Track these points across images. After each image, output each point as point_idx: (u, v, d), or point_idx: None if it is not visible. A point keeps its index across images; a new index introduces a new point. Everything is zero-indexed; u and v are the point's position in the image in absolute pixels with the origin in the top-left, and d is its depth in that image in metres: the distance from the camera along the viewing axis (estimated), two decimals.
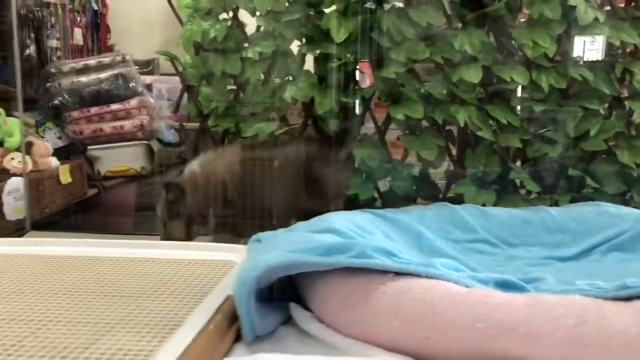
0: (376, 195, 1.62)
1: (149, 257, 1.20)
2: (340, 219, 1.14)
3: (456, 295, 0.77)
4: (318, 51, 1.55)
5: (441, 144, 1.55)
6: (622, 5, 1.58)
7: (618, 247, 1.25)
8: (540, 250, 1.27)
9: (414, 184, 1.62)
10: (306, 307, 0.90)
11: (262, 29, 1.63)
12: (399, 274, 0.82)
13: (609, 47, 1.58)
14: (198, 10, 1.65)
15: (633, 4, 1.56)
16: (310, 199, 1.49)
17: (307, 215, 1.17)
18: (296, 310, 0.90)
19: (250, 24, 1.67)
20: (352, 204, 1.56)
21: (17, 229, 1.58)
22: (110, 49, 3.12)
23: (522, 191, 1.61)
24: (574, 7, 1.50)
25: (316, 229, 1.04)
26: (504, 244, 1.30)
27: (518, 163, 1.60)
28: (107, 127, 2.30)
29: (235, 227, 1.50)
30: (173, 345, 0.76)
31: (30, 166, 1.73)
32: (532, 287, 0.95)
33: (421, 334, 0.74)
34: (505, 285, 0.89)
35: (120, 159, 2.38)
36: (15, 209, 1.56)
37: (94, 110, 2.27)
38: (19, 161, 1.68)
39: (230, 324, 0.85)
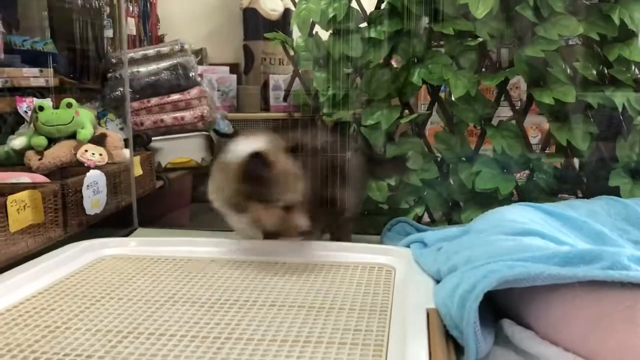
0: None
1: (302, 261, 1.08)
2: (523, 218, 0.98)
3: None
4: (451, 28, 1.39)
5: (594, 131, 1.38)
6: None
7: None
8: None
9: (554, 177, 1.46)
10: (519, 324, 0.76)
11: (383, 6, 1.48)
12: None
13: None
14: None
15: None
16: None
17: None
18: (515, 329, 0.75)
19: (368, 2, 1.52)
20: (489, 199, 1.41)
21: (93, 224, 1.49)
22: (161, 38, 3.04)
23: None
24: None
25: (513, 231, 0.89)
26: None
27: None
28: (168, 117, 2.20)
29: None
30: None
31: (106, 158, 1.65)
32: None
33: None
34: None
35: (181, 150, 2.28)
36: (94, 202, 1.48)
37: (154, 101, 2.17)
38: (93, 153, 1.59)
39: (447, 344, 0.72)
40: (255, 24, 2.88)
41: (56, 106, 1.61)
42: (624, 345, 0.64)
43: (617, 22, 1.32)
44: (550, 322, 0.72)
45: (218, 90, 3.00)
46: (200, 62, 3.03)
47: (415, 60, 1.47)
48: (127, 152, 1.82)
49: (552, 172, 1.45)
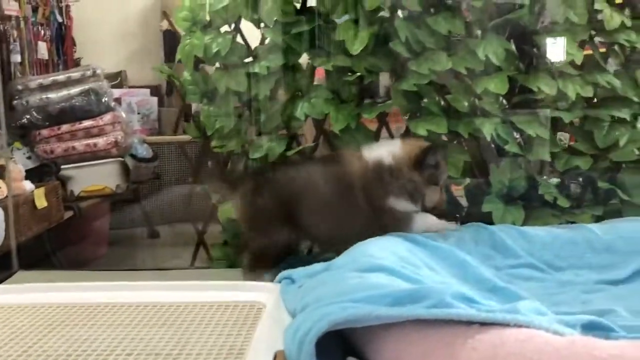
0: None
1: (168, 302, 1.07)
2: (383, 252, 1.03)
3: (559, 347, 0.67)
4: (331, 64, 1.44)
5: (467, 159, 1.45)
6: None
7: None
8: (589, 273, 1.19)
9: None
10: None
11: (267, 41, 1.51)
12: (483, 324, 0.71)
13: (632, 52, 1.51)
14: (197, 22, 1.52)
15: None
16: None
17: None
18: None
19: (253, 36, 1.55)
20: None
21: None
22: (77, 62, 2.96)
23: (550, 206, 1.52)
24: (599, 12, 1.43)
25: (364, 267, 0.93)
26: (550, 267, 1.21)
27: (545, 177, 1.51)
28: (80, 145, 2.16)
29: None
30: None
31: (5, 192, 1.59)
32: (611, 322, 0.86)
33: None
34: (593, 328, 0.79)
35: (94, 177, 2.23)
36: None
37: (64, 127, 2.12)
38: None
39: None
40: (175, 46, 2.86)
41: None
42: None
43: (482, 57, 1.40)
44: (385, 358, 0.75)
45: (138, 113, 2.95)
46: (119, 85, 2.97)
47: (300, 94, 1.51)
48: (27, 184, 1.76)
49: None
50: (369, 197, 1.23)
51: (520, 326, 0.71)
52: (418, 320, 0.73)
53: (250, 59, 1.52)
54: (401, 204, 1.23)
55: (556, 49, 1.43)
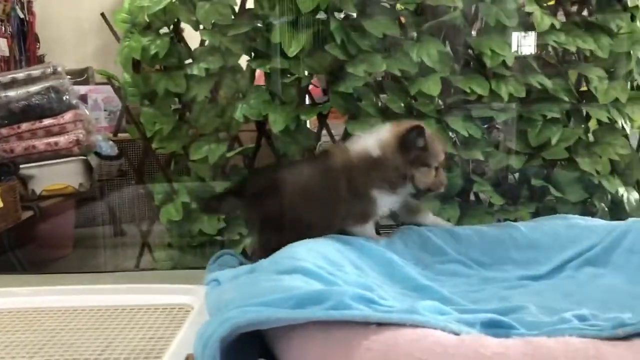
0: None
1: (98, 306, 1.08)
2: (308, 253, 1.05)
3: (448, 346, 0.70)
4: (269, 66, 1.45)
5: None
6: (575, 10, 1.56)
7: (590, 261, 1.22)
8: (514, 269, 1.23)
9: None
10: None
11: (206, 43, 1.52)
12: (382, 323, 0.74)
13: (564, 53, 1.56)
14: (136, 25, 1.52)
15: (586, 10, 1.54)
16: None
17: None
18: None
19: (193, 38, 1.56)
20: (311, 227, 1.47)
21: None
22: (40, 59, 2.92)
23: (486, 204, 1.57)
24: (530, 14, 1.47)
25: (283, 269, 0.95)
26: (477, 264, 1.24)
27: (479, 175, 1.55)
28: (40, 143, 2.13)
29: None
30: None
31: None
32: (516, 320, 0.89)
33: None
34: (493, 325, 0.82)
35: (56, 176, 2.21)
36: None
37: (24, 126, 2.09)
38: None
39: None
40: None
41: None
42: None
43: (416, 59, 1.43)
44: (291, 358, 0.78)
45: (105, 110, 2.91)
46: (86, 82, 2.93)
47: (240, 95, 1.52)
48: None
49: None
50: (351, 187, 1.23)
51: (416, 326, 0.74)
52: (321, 322, 0.75)
53: (189, 61, 1.53)
54: (382, 194, 1.24)
55: (489, 50, 1.46)
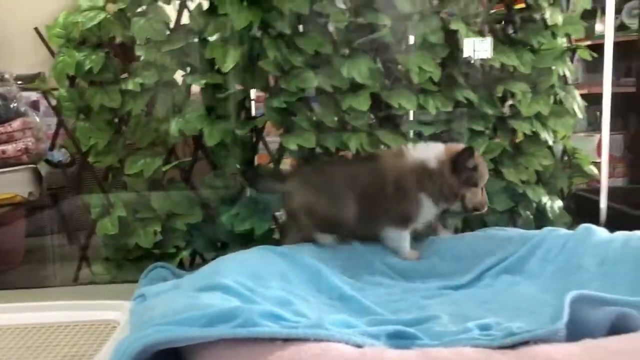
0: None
1: (22, 324, 1.09)
2: (233, 269, 1.08)
3: (349, 359, 0.74)
4: (204, 81, 1.48)
5: None
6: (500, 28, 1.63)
7: (507, 269, 1.29)
8: (436, 280, 1.28)
9: None
10: None
11: (142, 59, 1.53)
12: (288, 339, 0.78)
13: (490, 69, 1.63)
14: (71, 40, 1.53)
15: (511, 27, 1.62)
16: None
17: None
18: None
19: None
20: (247, 239, 1.51)
21: None
22: None
23: None
24: (455, 31, 1.53)
25: (205, 286, 0.98)
26: (400, 275, 1.30)
27: None
28: None
29: None
30: None
31: None
32: (425, 330, 0.95)
33: None
34: (398, 337, 0.87)
35: (4, 185, 2.17)
36: None
37: None
38: None
39: None
40: None
41: None
42: None
43: (346, 75, 1.48)
44: None
45: None
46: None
47: (177, 110, 1.54)
48: None
49: None
50: (400, 188, 1.33)
51: (320, 340, 0.78)
52: (231, 340, 0.78)
53: (125, 75, 1.54)
54: (429, 202, 1.34)
55: (417, 67, 1.51)
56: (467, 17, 1.57)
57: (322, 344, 0.77)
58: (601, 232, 1.25)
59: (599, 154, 3.71)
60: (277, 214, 1.58)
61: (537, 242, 1.31)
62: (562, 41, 1.67)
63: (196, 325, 0.80)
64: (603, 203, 1.64)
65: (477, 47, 1.55)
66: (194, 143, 1.58)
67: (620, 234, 1.23)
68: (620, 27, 3.61)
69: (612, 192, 1.86)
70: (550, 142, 1.64)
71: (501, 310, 1.08)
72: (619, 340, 0.77)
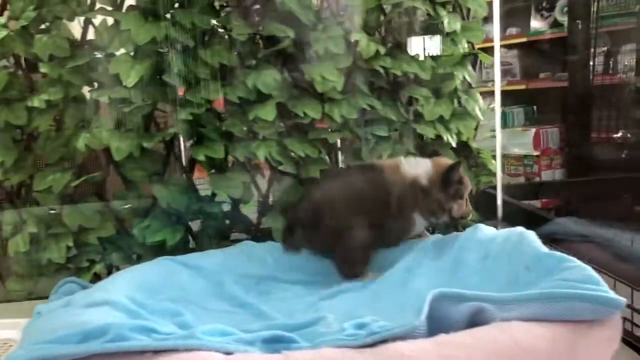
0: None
1: None
2: (126, 282, 1.11)
3: None
4: (109, 96, 1.50)
5: (246, 181, 1.57)
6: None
7: (408, 268, 1.36)
8: (338, 282, 1.34)
9: (227, 220, 1.63)
10: None
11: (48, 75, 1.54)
12: (158, 351, 0.81)
13: (394, 76, 1.70)
14: None
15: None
16: None
17: None
18: None
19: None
20: (160, 250, 1.53)
21: None
22: None
23: None
24: (357, 42, 1.59)
25: (92, 302, 1.00)
26: (311, 276, 1.35)
27: None
28: None
29: None
30: None
31: None
32: (312, 332, 1.00)
33: None
34: (274, 341, 0.92)
35: None
36: None
37: None
38: None
39: None
40: None
41: None
42: None
43: (250, 87, 1.52)
44: None
45: None
46: None
47: (85, 124, 1.55)
48: None
49: (222, 216, 1.62)
50: (400, 205, 1.37)
51: (191, 350, 0.82)
52: (104, 355, 0.82)
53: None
54: (420, 219, 1.40)
55: (320, 77, 1.57)
56: (369, 28, 1.64)
57: (191, 353, 0.81)
58: (487, 230, 1.33)
59: (536, 147, 3.86)
60: (190, 223, 1.61)
61: (435, 241, 1.38)
62: (464, 47, 1.76)
63: (72, 342, 0.82)
64: (499, 199, 1.73)
65: (379, 56, 1.62)
66: (105, 157, 1.60)
67: (504, 230, 1.31)
68: (554, 24, 3.78)
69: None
70: (454, 144, 1.72)
71: (387, 308, 1.14)
72: (467, 334, 0.84)
